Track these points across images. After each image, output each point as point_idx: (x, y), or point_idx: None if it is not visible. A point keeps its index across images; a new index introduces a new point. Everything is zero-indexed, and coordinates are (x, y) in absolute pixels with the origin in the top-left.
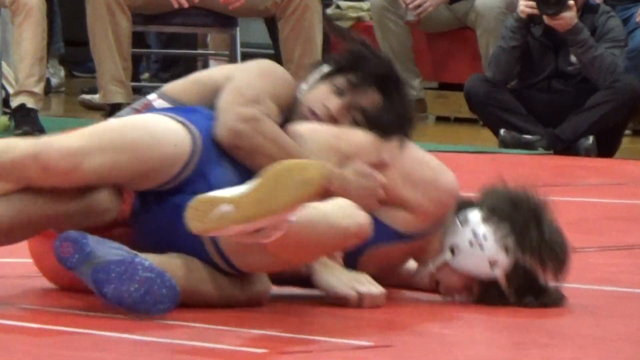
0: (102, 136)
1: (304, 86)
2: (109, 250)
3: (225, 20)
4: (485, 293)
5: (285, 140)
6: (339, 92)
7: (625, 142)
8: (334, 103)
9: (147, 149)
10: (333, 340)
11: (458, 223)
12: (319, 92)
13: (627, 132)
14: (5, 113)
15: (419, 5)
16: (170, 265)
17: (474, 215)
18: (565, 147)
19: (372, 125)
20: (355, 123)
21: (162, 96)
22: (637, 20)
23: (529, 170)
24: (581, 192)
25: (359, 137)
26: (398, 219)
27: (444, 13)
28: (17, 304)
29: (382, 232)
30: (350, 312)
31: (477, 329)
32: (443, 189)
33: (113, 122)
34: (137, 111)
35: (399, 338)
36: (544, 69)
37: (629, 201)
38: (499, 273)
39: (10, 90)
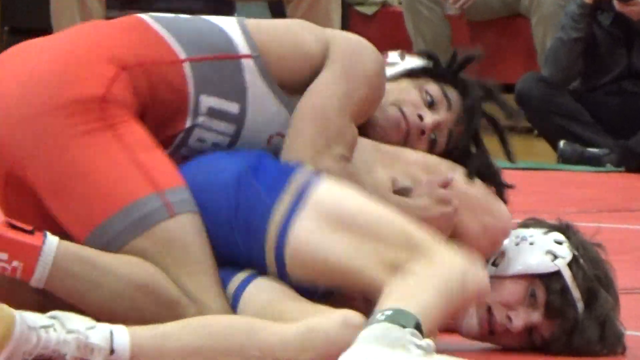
0: None
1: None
2: None
3: (220, 4)
4: (551, 295)
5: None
6: (431, 105)
7: None
8: (430, 118)
9: None
10: None
11: None
12: (408, 93)
13: None
14: None
15: None
16: None
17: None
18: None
19: (452, 152)
20: (433, 141)
21: (251, 44)
22: None
23: (595, 191)
24: None
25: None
26: None
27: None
28: None
29: None
30: None
31: None
32: (500, 219)
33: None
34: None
35: None
36: (614, 66)
37: None
38: (561, 263)
39: None
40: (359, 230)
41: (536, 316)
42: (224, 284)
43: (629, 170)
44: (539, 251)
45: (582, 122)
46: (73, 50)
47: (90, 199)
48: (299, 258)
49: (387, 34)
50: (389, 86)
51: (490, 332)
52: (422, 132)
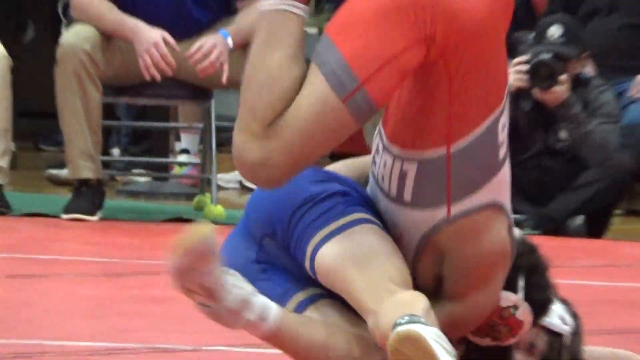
0: None
1: None
2: None
3: (200, 93)
4: (550, 351)
5: None
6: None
7: (617, 222)
8: None
9: None
10: None
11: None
12: None
13: (618, 212)
14: None
15: None
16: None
17: None
18: (555, 227)
19: None
20: None
21: None
22: (630, 94)
23: None
24: (571, 274)
25: None
26: None
27: None
28: None
29: None
30: None
31: None
32: None
33: None
34: None
35: None
36: (533, 145)
37: (621, 284)
38: (567, 330)
39: None
40: (369, 269)
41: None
42: (284, 297)
43: (545, 233)
44: (555, 313)
45: None
46: None
47: None
48: (322, 273)
49: None
50: None
51: None
52: None
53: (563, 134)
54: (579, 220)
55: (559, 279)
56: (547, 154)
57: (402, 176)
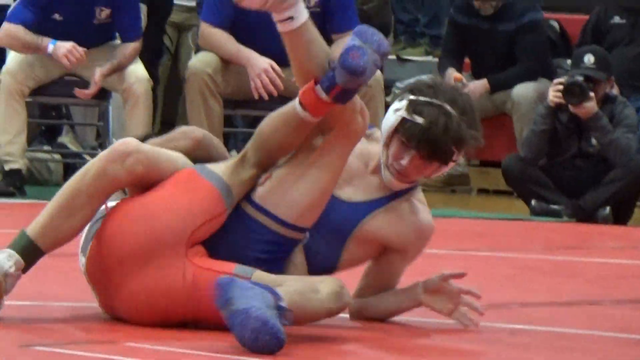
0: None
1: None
2: (244, 298)
3: None
4: (410, 135)
5: None
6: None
7: (638, 212)
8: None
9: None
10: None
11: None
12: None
13: (639, 203)
14: None
15: None
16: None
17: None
18: (587, 216)
19: None
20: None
21: None
22: None
23: (556, 235)
24: (599, 254)
25: None
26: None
27: (485, 102)
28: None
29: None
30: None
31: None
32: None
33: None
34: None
35: None
36: (569, 149)
37: None
38: (401, 112)
39: None
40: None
41: (413, 152)
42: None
43: (579, 220)
44: (390, 113)
45: (547, 187)
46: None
47: None
48: None
49: None
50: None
51: (403, 175)
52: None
53: (593, 141)
54: (606, 210)
55: (591, 259)
56: (580, 156)
57: None
